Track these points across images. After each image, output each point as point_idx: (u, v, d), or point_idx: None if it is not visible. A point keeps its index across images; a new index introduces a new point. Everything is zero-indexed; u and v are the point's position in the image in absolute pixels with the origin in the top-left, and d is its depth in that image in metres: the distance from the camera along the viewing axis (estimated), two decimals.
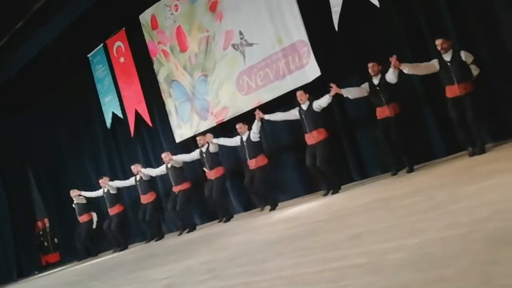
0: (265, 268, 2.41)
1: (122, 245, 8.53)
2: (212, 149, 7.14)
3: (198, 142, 7.44)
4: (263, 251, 3.00)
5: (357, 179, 6.58)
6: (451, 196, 2.91)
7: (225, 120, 7.83)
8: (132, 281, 3.59)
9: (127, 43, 9.08)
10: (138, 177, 8.14)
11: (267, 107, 7.32)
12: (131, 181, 8.44)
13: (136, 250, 7.65)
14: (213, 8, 7.71)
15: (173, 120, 8.68)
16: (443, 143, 5.80)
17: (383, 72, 5.62)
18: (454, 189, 3.20)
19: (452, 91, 5.04)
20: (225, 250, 3.79)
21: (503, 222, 1.89)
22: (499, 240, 1.66)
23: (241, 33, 7.38)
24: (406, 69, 5.28)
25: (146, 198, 8.11)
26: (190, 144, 8.55)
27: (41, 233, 11.61)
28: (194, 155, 7.55)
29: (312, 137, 5.91)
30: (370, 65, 5.67)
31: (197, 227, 7.77)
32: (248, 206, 7.91)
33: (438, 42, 5.14)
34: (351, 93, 5.86)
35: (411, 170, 5.41)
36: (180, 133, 8.61)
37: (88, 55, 9.78)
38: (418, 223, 2.35)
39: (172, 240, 7.17)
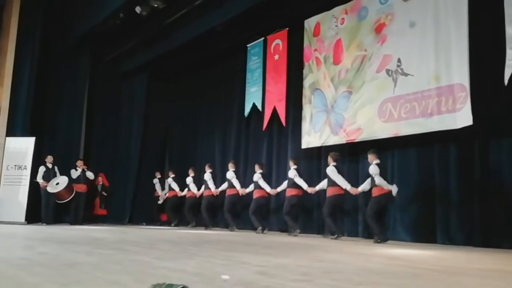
0: None
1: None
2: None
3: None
4: (359, 275, 2.94)
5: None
6: None
7: (355, 140, 7.74)
8: (225, 258, 3.76)
9: (286, 43, 9.43)
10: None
11: (401, 140, 7.11)
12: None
13: (241, 234, 7.96)
14: (378, 29, 7.64)
15: (305, 126, 8.81)
16: None
17: None
18: None
19: None
20: (320, 262, 3.79)
21: None
22: None
23: (399, 60, 7.21)
24: None
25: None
26: (313, 153, 8.64)
27: None
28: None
29: None
30: None
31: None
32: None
33: None
34: None
35: None
36: (308, 140, 8.71)
37: (248, 45, 10.34)
38: None
39: (273, 238, 7.31)
